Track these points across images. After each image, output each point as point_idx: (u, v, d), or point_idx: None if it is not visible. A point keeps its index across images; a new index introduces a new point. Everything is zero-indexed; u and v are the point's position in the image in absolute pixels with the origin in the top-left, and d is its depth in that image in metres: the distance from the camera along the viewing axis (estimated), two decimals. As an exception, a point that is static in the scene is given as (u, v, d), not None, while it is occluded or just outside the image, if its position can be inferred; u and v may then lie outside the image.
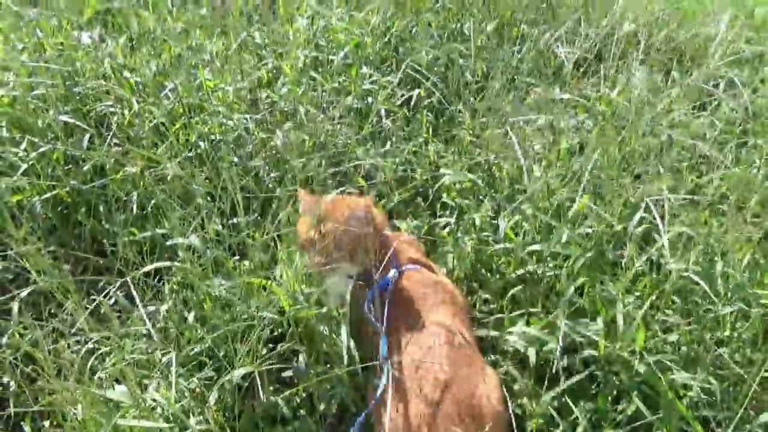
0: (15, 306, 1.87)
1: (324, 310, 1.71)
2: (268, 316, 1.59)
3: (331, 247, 1.69)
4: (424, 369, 1.46)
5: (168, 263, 1.81)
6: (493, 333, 1.78)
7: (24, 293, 1.88)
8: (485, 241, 2.01)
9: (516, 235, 1.95)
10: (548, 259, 1.80)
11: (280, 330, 1.88)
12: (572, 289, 1.61)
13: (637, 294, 1.80)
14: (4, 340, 1.83)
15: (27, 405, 1.70)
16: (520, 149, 2.10)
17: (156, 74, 2.67)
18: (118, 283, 1.80)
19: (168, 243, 1.91)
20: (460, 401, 1.40)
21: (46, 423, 1.70)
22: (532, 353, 1.63)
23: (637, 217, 1.76)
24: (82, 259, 2.17)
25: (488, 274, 2.00)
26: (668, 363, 1.55)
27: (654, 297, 1.72)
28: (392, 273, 1.71)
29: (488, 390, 1.47)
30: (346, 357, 1.59)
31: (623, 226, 1.76)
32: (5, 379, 1.88)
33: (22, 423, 1.73)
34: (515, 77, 2.84)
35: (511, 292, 1.86)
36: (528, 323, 1.79)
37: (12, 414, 1.76)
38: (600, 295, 1.68)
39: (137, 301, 1.71)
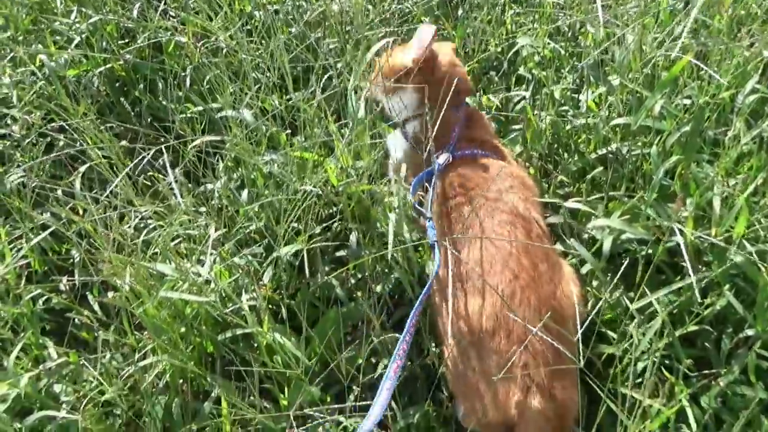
0: (77, 182, 1.87)
1: (377, 187, 1.58)
2: (316, 191, 1.48)
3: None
4: (494, 262, 1.28)
5: (217, 137, 1.72)
6: (569, 221, 1.61)
7: (83, 168, 1.86)
8: (564, 117, 1.79)
9: (599, 109, 1.71)
10: (636, 135, 1.57)
11: (335, 208, 1.79)
12: (662, 170, 1.39)
13: (740, 177, 1.56)
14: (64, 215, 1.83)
15: (91, 276, 1.72)
16: (609, 12, 1.81)
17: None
18: (170, 158, 1.75)
19: (218, 116, 1.80)
20: (540, 300, 1.24)
21: (110, 294, 1.72)
22: (607, 243, 1.45)
23: (749, 86, 1.48)
24: (140, 135, 2.13)
25: (566, 154, 1.79)
26: (771, 252, 1.33)
27: (760, 181, 1.48)
28: (443, 157, 1.51)
29: (568, 288, 1.32)
30: (392, 237, 1.46)
31: (730, 96, 1.49)
32: (72, 252, 1.92)
33: (87, 293, 1.76)
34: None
35: (591, 174, 1.66)
36: (607, 207, 1.60)
37: (78, 284, 1.80)
38: (695, 176, 1.46)
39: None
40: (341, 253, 1.70)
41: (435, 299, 1.40)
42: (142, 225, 1.71)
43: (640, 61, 1.67)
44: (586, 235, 1.60)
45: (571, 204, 1.50)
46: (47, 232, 1.73)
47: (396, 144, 1.71)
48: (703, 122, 1.44)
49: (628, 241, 1.53)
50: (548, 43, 1.99)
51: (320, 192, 1.52)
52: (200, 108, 1.91)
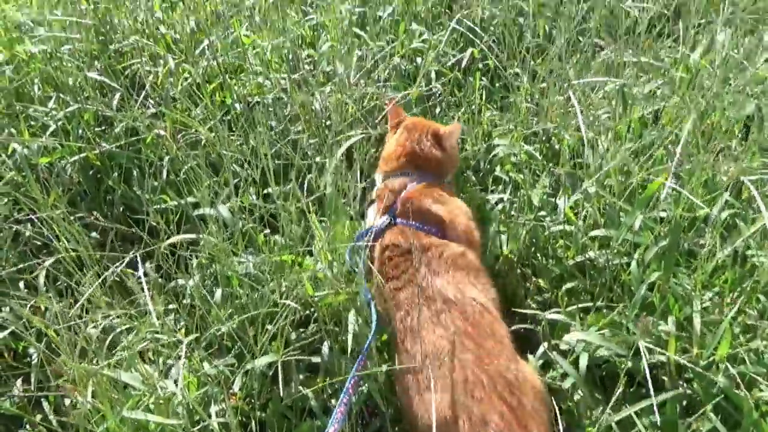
0: (41, 276, 1.79)
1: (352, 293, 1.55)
2: (292, 304, 1.44)
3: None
4: (440, 352, 1.31)
5: (194, 236, 1.68)
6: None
7: (48, 263, 1.79)
8: (541, 221, 1.80)
9: (576, 216, 1.73)
10: (614, 245, 1.58)
11: (311, 309, 1.74)
12: (644, 285, 1.39)
13: (716, 290, 1.57)
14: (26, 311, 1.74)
15: (49, 381, 1.62)
16: (584, 118, 1.86)
17: (194, 31, 2.52)
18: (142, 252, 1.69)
19: (195, 213, 1.77)
20: (493, 377, 1.25)
21: (67, 401, 1.62)
22: (583, 360, 1.43)
23: (722, 201, 1.52)
24: (110, 226, 2.07)
25: (543, 259, 1.80)
26: (753, 375, 1.33)
27: (735, 294, 1.50)
28: (381, 220, 1.64)
29: (524, 365, 1.34)
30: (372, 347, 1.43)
31: (703, 211, 1.52)
32: (30, 350, 1.82)
33: (42, 400, 1.66)
34: (580, 37, 2.57)
35: (569, 283, 1.66)
36: (585, 318, 1.60)
37: (34, 388, 1.69)
38: (674, 291, 1.46)
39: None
40: (316, 359, 1.64)
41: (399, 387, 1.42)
42: (107, 325, 1.63)
43: (615, 172, 1.71)
44: (564, 346, 1.58)
45: (550, 315, 1.48)
46: (5, 332, 1.64)
47: (369, 212, 1.80)
48: (679, 235, 1.46)
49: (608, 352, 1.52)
50: (523, 147, 2.03)
51: (296, 304, 1.47)
52: (176, 203, 1.87)
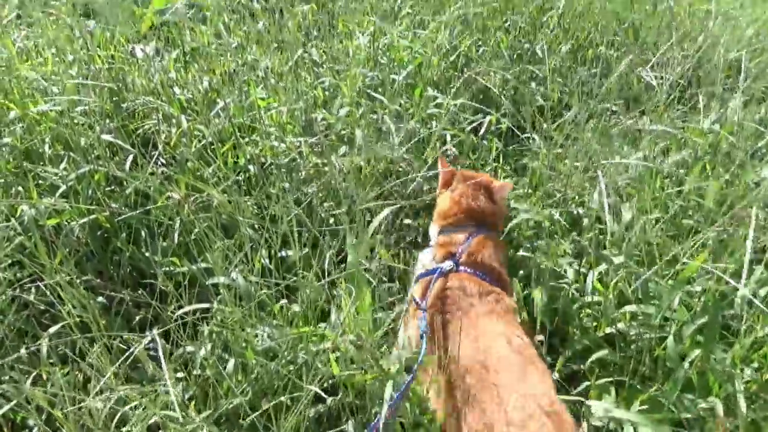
0: (44, 346, 1.71)
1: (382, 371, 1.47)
2: (314, 388, 1.36)
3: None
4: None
5: (206, 305, 1.61)
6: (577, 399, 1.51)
7: (53, 329, 1.72)
8: (564, 290, 1.74)
9: (604, 286, 1.67)
10: (651, 321, 1.52)
11: (329, 382, 1.66)
12: (686, 363, 1.33)
13: (755, 366, 1.50)
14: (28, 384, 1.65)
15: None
16: (605, 186, 1.83)
17: (207, 91, 2.52)
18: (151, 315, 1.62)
19: (209, 282, 1.70)
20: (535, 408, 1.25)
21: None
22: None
23: (758, 274, 1.47)
24: (118, 291, 2.00)
25: (571, 329, 1.73)
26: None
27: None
28: (448, 264, 1.72)
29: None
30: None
31: (742, 292, 1.46)
32: (30, 422, 1.71)
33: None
34: (592, 103, 2.58)
35: (598, 354, 1.59)
36: (617, 393, 1.52)
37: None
38: (713, 368, 1.39)
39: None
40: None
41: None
42: (114, 401, 1.54)
43: (642, 241, 1.67)
44: (598, 423, 1.50)
45: (596, 405, 1.39)
46: (5, 408, 1.54)
47: (423, 257, 1.91)
48: (717, 312, 1.41)
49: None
50: (545, 212, 1.99)
51: (316, 387, 1.39)
52: (186, 269, 1.81)
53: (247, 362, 1.62)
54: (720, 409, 1.28)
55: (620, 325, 1.61)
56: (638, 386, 1.49)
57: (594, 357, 1.60)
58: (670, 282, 1.37)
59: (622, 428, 1.42)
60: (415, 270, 1.89)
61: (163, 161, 2.20)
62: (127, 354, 1.57)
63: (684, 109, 2.39)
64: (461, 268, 1.72)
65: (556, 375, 1.69)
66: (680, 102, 2.40)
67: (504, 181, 2.01)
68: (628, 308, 1.51)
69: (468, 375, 1.38)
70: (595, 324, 1.67)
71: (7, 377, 1.67)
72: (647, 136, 2.12)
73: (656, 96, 2.28)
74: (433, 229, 1.98)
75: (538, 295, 1.63)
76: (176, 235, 1.97)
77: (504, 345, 1.43)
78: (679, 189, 1.87)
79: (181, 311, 1.62)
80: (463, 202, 1.92)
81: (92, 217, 2.02)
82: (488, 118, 2.44)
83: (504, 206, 2.03)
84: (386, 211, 1.62)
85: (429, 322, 1.57)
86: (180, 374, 1.73)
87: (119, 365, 1.74)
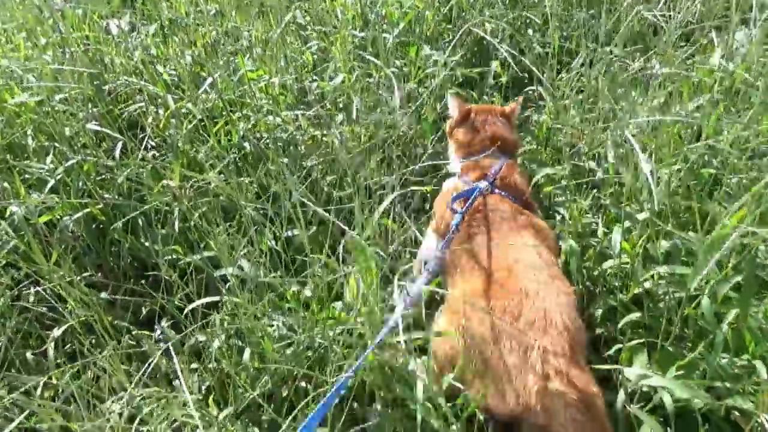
0: (50, 349, 1.64)
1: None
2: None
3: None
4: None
5: (216, 298, 1.54)
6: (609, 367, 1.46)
7: (57, 332, 1.65)
8: (592, 248, 1.67)
9: (631, 246, 1.60)
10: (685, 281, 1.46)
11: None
12: (723, 326, 1.27)
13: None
14: (38, 390, 1.59)
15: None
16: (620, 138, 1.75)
17: (191, 65, 2.39)
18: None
19: (216, 274, 1.63)
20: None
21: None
22: (668, 401, 1.30)
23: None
24: (121, 285, 1.93)
25: (598, 290, 1.67)
26: None
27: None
28: (483, 183, 1.77)
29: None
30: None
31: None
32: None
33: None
34: (595, 48, 2.46)
35: (627, 318, 1.54)
36: (649, 356, 1.48)
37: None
38: (749, 327, 1.34)
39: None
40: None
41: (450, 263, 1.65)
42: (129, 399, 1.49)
43: (665, 195, 1.59)
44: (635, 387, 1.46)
45: (630, 371, 1.34)
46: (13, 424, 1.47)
47: (447, 185, 1.98)
48: (755, 271, 1.35)
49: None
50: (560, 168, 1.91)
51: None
52: (190, 260, 1.73)
53: (264, 352, 1.56)
54: (763, 371, 1.23)
55: (647, 284, 1.55)
56: (670, 348, 1.43)
57: (626, 320, 1.54)
58: (705, 241, 1.30)
59: (656, 391, 1.38)
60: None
61: (153, 144, 2.09)
62: (137, 352, 1.51)
63: (692, 50, 2.27)
64: (496, 190, 1.79)
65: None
66: (689, 41, 2.29)
67: (512, 104, 2.08)
68: (660, 269, 1.45)
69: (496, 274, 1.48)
70: (621, 284, 1.61)
71: (17, 384, 1.62)
72: (656, 81, 2.02)
73: (665, 36, 2.17)
74: (455, 161, 2.04)
75: (571, 246, 1.57)
76: (176, 223, 1.89)
77: (533, 255, 1.51)
78: (697, 136, 1.79)
79: (191, 306, 1.55)
80: (488, 128, 1.99)
81: (86, 210, 1.93)
82: (493, 64, 2.33)
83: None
84: (395, 193, 1.54)
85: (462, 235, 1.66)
86: (194, 365, 1.68)
87: (129, 362, 1.69)
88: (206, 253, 1.74)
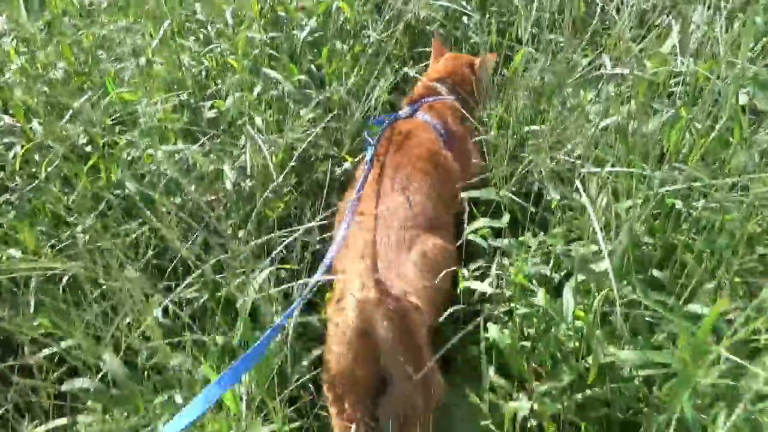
0: None
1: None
2: None
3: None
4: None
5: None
6: None
7: None
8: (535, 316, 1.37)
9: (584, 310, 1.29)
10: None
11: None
12: None
13: None
14: None
15: None
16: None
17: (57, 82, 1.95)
18: None
19: (63, 388, 1.27)
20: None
21: None
22: None
23: None
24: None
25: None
26: None
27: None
28: (405, 110, 1.76)
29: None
30: None
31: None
32: None
33: None
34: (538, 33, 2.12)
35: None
36: None
37: None
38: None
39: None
40: None
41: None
42: None
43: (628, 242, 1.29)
44: None
45: None
46: None
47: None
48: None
49: None
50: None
51: None
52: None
53: None
54: None
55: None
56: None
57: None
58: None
59: None
60: None
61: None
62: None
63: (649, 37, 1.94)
64: (419, 113, 1.73)
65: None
66: (648, 29, 1.95)
67: (487, 55, 1.98)
68: (622, 354, 1.13)
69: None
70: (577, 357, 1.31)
71: None
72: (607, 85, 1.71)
73: (616, 25, 1.85)
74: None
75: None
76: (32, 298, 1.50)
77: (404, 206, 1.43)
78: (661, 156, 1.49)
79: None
80: (443, 65, 2.00)
81: None
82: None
83: (487, 81, 2.00)
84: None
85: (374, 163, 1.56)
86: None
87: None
88: (64, 344, 1.37)
